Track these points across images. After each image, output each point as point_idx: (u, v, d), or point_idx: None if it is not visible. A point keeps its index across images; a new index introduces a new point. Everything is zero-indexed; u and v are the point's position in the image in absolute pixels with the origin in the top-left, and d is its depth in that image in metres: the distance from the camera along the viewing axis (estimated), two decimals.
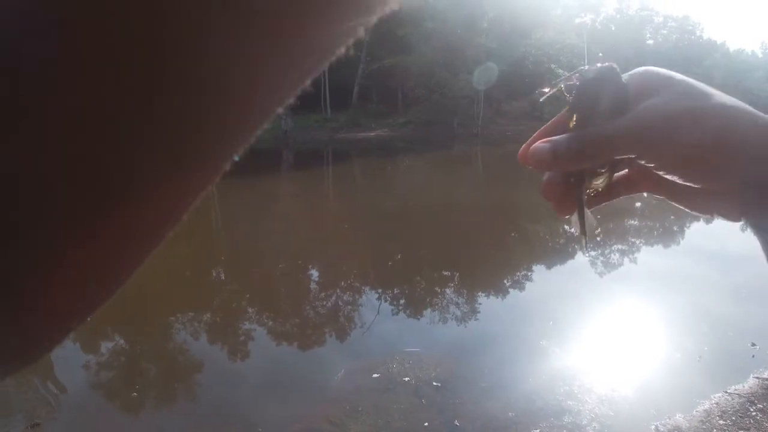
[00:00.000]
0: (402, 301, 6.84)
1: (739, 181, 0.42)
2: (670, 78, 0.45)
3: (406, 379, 4.59)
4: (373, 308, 6.54)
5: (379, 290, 7.10)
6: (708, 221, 10.14)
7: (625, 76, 0.46)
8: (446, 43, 27.17)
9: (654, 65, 0.50)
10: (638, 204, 11.51)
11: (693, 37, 31.07)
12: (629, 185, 0.53)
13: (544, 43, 28.92)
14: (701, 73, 28.67)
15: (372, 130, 31.74)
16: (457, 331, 5.85)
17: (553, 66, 29.17)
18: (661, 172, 0.44)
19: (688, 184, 0.44)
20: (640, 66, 0.49)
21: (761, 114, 0.43)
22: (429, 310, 6.46)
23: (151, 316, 6.93)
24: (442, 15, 27.03)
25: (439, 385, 4.48)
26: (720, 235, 8.73)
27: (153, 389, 5.05)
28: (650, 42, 28.56)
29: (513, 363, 4.82)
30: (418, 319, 6.26)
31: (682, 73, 0.48)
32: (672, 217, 10.27)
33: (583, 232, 0.51)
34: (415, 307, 6.57)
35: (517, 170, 16.18)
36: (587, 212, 0.51)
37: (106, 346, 6.06)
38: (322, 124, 33.24)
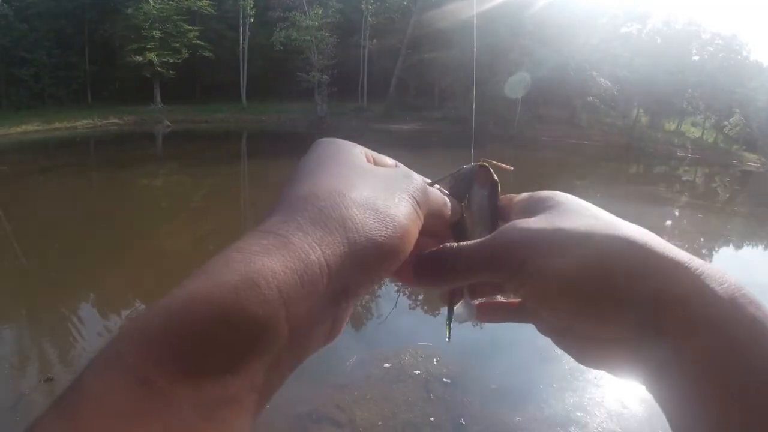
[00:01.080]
0: (420, 296, 6.86)
1: (633, 325, 0.33)
2: (567, 199, 0.40)
3: (417, 372, 4.62)
4: (391, 300, 6.58)
5: (399, 283, 7.14)
6: (738, 247, 9.96)
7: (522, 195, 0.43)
8: (489, 42, 26.94)
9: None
10: (668, 222, 11.36)
11: (739, 57, 30.32)
12: (516, 312, 0.46)
13: (587, 50, 28.48)
14: (744, 94, 27.96)
15: (406, 122, 31.66)
16: (473, 331, 5.86)
17: (594, 74, 28.75)
18: (533, 304, 0.38)
19: (568, 324, 0.37)
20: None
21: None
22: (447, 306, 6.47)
23: (174, 285, 7.04)
24: (488, 13, 26.80)
25: (449, 381, 4.51)
26: (749, 261, 8.57)
27: None
28: (695, 58, 27.86)
29: (525, 368, 4.82)
30: (435, 315, 6.28)
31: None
32: (701, 239, 10.11)
33: (449, 318, 0.49)
34: (433, 302, 6.59)
35: (549, 176, 16.08)
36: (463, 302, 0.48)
37: (125, 314, 6.21)
38: (358, 113, 33.26)
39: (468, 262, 0.38)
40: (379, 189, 0.34)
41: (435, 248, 0.40)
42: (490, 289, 0.46)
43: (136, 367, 0.23)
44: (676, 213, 12.67)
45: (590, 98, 29.23)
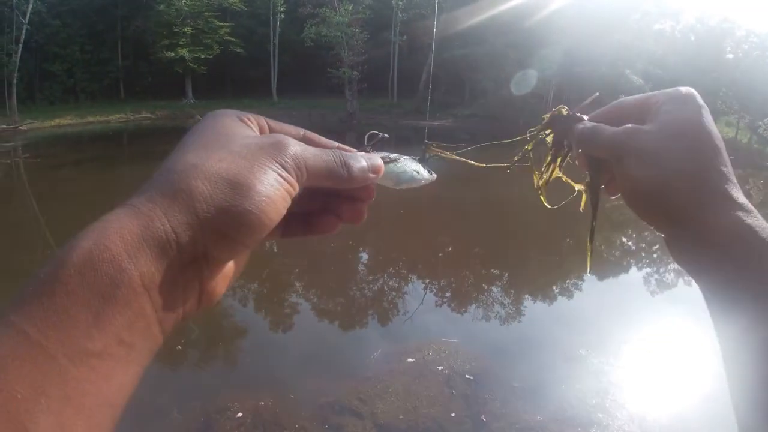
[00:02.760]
0: (447, 293, 6.88)
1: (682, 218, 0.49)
2: (701, 108, 0.52)
3: (440, 368, 4.65)
4: (418, 296, 6.61)
5: (426, 279, 7.17)
6: None
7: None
8: (518, 39, 26.71)
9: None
10: None
11: None
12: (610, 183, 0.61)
13: (620, 47, 27.99)
14: None
15: (436, 119, 31.57)
16: (498, 329, 5.87)
17: (627, 71, 28.29)
18: (622, 178, 0.53)
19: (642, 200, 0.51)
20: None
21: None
22: (473, 305, 6.49)
23: None
24: (517, 9, 26.54)
25: (472, 378, 4.53)
26: None
27: (196, 347, 5.28)
28: (730, 56, 27.13)
29: (548, 368, 4.81)
30: (461, 312, 6.30)
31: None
32: None
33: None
34: (459, 300, 6.61)
35: (579, 175, 15.81)
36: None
37: None
38: (388, 109, 33.27)
39: (598, 137, 0.56)
40: (240, 158, 0.37)
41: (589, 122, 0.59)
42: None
43: (14, 322, 0.28)
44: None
45: (622, 96, 28.75)
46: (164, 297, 0.33)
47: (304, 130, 0.49)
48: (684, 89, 0.54)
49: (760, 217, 0.46)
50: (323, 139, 0.49)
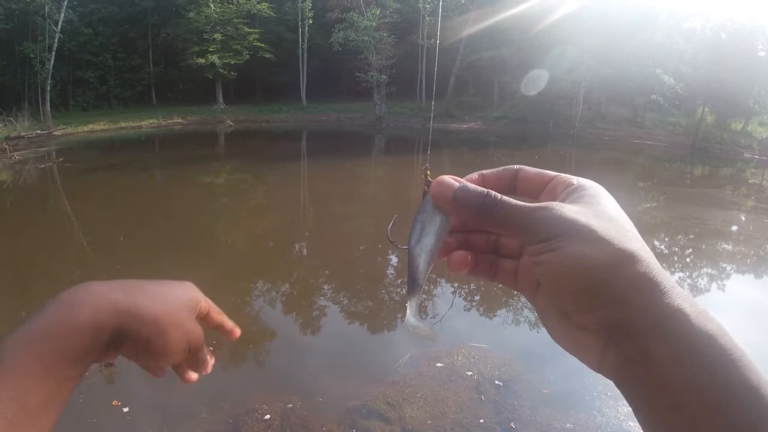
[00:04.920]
0: (477, 297, 6.84)
1: (612, 323, 0.39)
2: (601, 196, 0.44)
3: (469, 373, 4.62)
4: (447, 300, 6.59)
5: (455, 283, 7.12)
6: None
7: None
8: (548, 40, 26.49)
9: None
10: (734, 227, 10.95)
11: None
12: (508, 275, 0.51)
13: (650, 46, 27.52)
14: None
15: (465, 121, 31.50)
16: (528, 334, 5.81)
17: (658, 71, 27.84)
18: (541, 273, 0.43)
19: (558, 302, 0.42)
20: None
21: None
22: (503, 310, 6.43)
23: (232, 279, 7.24)
24: (543, 9, 26.31)
25: (501, 384, 4.49)
26: None
27: (226, 349, 5.31)
28: (762, 54, 26.38)
29: (579, 374, 4.73)
30: (491, 317, 6.25)
31: None
32: None
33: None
34: (489, 304, 6.57)
35: (611, 177, 15.70)
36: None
37: None
38: (416, 113, 33.25)
39: (507, 211, 0.43)
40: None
41: (482, 188, 0.46)
42: (482, 246, 0.52)
43: (43, 357, 0.48)
44: (742, 218, 12.18)
45: (654, 96, 28.31)
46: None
47: None
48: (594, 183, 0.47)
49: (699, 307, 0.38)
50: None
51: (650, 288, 0.38)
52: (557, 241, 0.40)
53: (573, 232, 0.40)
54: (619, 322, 0.38)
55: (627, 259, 0.39)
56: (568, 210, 0.41)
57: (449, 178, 0.47)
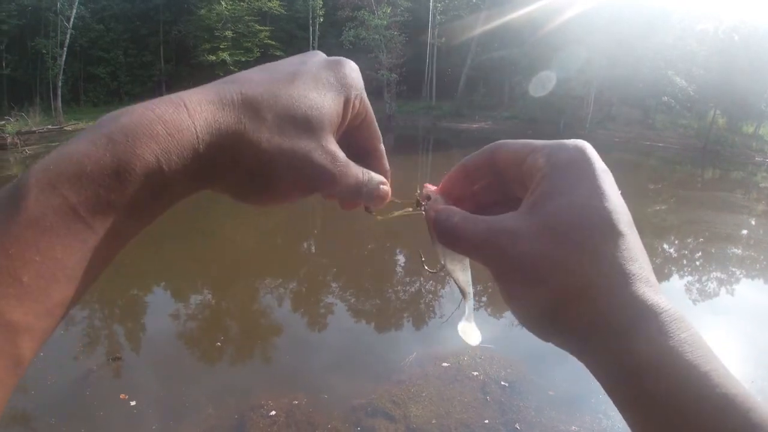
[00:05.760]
0: (484, 298, 6.82)
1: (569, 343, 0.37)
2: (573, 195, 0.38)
3: (475, 373, 4.62)
4: (455, 300, 6.53)
5: None
6: None
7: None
8: (558, 39, 26.37)
9: None
10: (744, 232, 10.88)
11: None
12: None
13: (662, 47, 27.33)
14: None
15: (475, 121, 31.45)
16: (535, 337, 5.78)
17: (670, 72, 27.67)
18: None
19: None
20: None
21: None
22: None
23: (241, 276, 7.27)
24: (555, 9, 26.20)
25: (507, 385, 4.48)
26: None
27: (233, 345, 5.34)
28: None
29: (585, 377, 4.59)
30: (498, 318, 6.23)
31: None
32: None
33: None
34: (496, 305, 6.55)
35: (621, 178, 15.53)
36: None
37: (195, 299, 6.45)
38: (426, 111, 33.26)
39: (463, 242, 0.40)
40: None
41: (448, 210, 0.43)
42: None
43: (68, 197, 0.30)
44: (753, 222, 12.11)
45: (665, 98, 28.18)
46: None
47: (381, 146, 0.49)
48: (572, 144, 0.41)
49: (682, 327, 0.33)
50: (384, 160, 0.49)
51: (598, 332, 0.34)
52: (501, 282, 0.38)
53: (513, 270, 0.37)
54: (580, 356, 0.37)
55: (566, 301, 0.35)
56: (510, 238, 0.37)
57: (433, 211, 0.44)
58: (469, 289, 0.53)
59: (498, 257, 0.38)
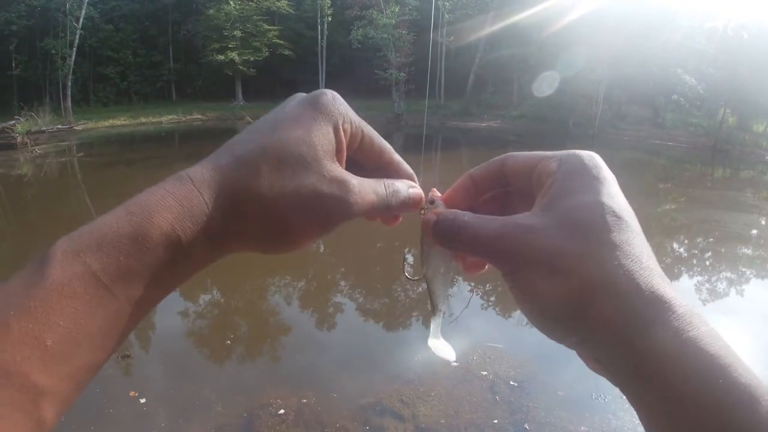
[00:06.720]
0: (493, 298, 6.81)
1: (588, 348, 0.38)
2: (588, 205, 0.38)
3: (484, 373, 4.61)
4: (463, 299, 6.57)
5: (472, 283, 7.10)
6: None
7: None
8: (569, 38, 26.25)
9: None
10: (754, 231, 10.80)
11: None
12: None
13: (671, 46, 27.14)
14: None
15: (484, 120, 31.35)
16: (544, 336, 5.73)
17: (680, 71, 27.48)
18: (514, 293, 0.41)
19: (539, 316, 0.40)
20: None
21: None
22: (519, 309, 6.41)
23: (250, 275, 7.28)
24: (562, 7, 26.09)
25: (516, 385, 4.47)
26: None
27: (242, 343, 5.36)
28: None
29: (594, 377, 4.58)
30: (507, 317, 6.22)
31: None
32: None
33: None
34: (505, 304, 6.53)
35: (630, 178, 15.56)
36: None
37: (204, 297, 6.46)
38: (435, 111, 33.20)
39: (471, 239, 0.41)
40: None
41: (454, 211, 0.44)
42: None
43: (90, 264, 0.33)
44: (763, 222, 12.01)
45: (675, 96, 27.98)
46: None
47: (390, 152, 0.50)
48: (583, 152, 0.42)
49: (701, 320, 0.34)
50: (403, 166, 0.50)
51: (622, 325, 0.35)
52: (517, 278, 0.39)
53: (532, 265, 0.37)
54: (598, 359, 0.37)
55: (591, 293, 0.35)
56: (528, 233, 0.38)
57: (432, 214, 0.45)
58: (442, 306, 0.53)
59: (515, 252, 0.38)
